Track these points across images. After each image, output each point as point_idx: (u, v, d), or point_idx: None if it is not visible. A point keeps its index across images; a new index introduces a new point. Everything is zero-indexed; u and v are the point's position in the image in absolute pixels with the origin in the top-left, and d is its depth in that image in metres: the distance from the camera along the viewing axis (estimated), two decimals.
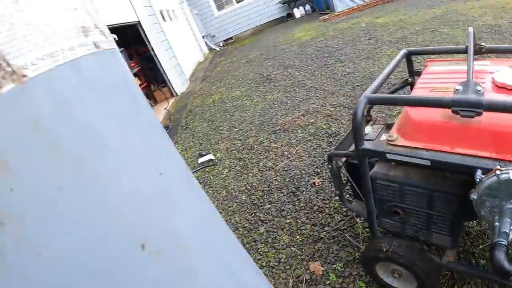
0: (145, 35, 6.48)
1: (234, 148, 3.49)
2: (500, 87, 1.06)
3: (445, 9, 5.94)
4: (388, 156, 1.17)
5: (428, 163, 1.07)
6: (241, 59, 7.94)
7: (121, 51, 6.83)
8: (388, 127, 1.44)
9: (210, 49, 12.14)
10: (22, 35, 0.38)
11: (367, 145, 1.22)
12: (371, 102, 1.18)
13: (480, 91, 0.98)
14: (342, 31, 6.89)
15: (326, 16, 9.03)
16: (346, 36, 6.34)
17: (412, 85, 1.66)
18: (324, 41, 6.58)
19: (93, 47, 0.46)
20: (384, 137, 1.26)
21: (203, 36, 11.90)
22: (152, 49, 6.59)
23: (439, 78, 1.28)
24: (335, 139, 2.93)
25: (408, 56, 1.58)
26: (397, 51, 4.42)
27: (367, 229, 1.93)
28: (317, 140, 3.02)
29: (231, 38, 13.06)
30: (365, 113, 1.19)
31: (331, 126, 3.17)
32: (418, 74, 1.59)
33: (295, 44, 7.29)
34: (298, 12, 12.04)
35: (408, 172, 1.23)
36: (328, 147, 2.84)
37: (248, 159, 3.17)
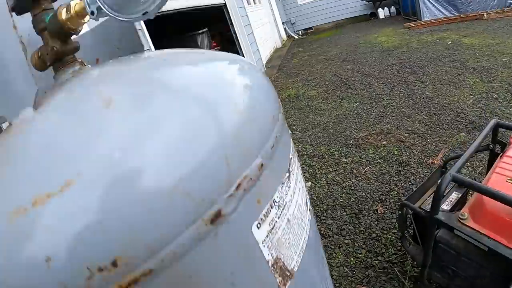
0: (230, 18, 6.67)
1: (305, 153, 3.64)
2: None
3: None
4: (456, 232, 1.32)
5: (486, 248, 1.21)
6: (319, 55, 8.00)
7: (205, 32, 7.13)
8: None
9: (289, 36, 12.23)
10: None
11: (441, 216, 1.35)
12: (455, 181, 1.31)
13: None
14: (427, 45, 6.77)
15: (411, 24, 8.84)
16: (430, 52, 6.23)
17: (492, 152, 1.75)
18: (407, 53, 6.51)
19: None
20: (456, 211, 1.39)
21: (283, 23, 12.00)
22: (235, 32, 6.79)
23: None
24: (404, 169, 3.02)
25: (496, 126, 1.65)
26: (481, 82, 4.41)
27: (415, 268, 2.05)
28: (387, 166, 3.11)
29: (310, 28, 13.06)
30: (446, 189, 1.36)
31: (402, 153, 3.24)
32: (500, 143, 1.70)
33: (376, 50, 7.26)
34: (382, 13, 11.84)
35: (467, 246, 1.33)
36: (396, 176, 2.94)
37: (318, 168, 3.32)
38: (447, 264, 1.44)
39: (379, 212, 2.59)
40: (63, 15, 0.75)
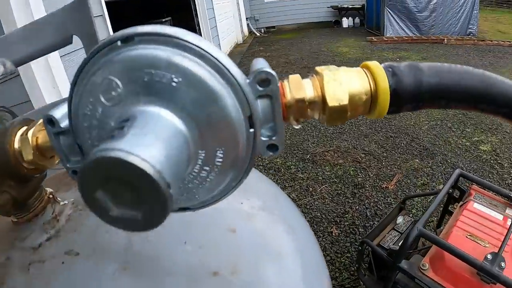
0: (195, 9, 6.49)
1: (261, 164, 3.57)
2: None
3: None
4: (416, 281, 1.38)
5: None
6: (280, 57, 7.94)
7: (168, 20, 6.88)
8: (415, 223, 1.62)
9: (251, 32, 12.12)
10: None
11: (403, 264, 1.41)
12: (421, 235, 1.39)
13: (502, 268, 1.19)
14: (387, 62, 6.86)
15: (374, 38, 8.98)
16: None
17: (449, 195, 1.82)
18: None
19: None
20: (418, 261, 1.45)
21: (247, 18, 11.86)
22: (199, 25, 6.61)
23: (480, 224, 1.47)
24: (359, 191, 3.03)
25: (458, 176, 1.74)
26: (437, 109, 4.48)
27: None
28: (343, 186, 3.10)
29: (274, 27, 13.00)
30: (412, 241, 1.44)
31: (358, 175, 3.25)
32: (459, 189, 1.78)
33: (337, 60, 7.30)
34: (346, 22, 11.95)
35: None
36: (351, 198, 2.95)
37: (274, 181, 3.22)
38: None
39: (333, 234, 2.59)
40: (16, 143, 0.49)
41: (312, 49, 8.53)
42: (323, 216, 2.77)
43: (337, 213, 2.79)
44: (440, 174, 3.19)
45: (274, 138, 0.35)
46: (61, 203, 0.66)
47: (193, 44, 0.31)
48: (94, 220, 0.61)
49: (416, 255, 1.58)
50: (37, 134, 0.47)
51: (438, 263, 1.37)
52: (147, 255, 0.55)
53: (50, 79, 2.41)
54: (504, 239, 1.30)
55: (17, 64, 0.76)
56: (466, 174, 1.73)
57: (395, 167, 3.32)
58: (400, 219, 1.94)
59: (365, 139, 3.90)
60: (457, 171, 1.73)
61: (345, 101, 0.35)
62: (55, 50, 0.80)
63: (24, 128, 0.50)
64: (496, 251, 1.25)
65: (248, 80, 0.32)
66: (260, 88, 0.32)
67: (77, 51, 2.70)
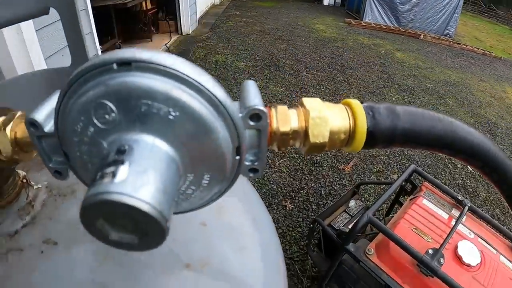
0: None
1: None
2: (457, 258, 1.37)
3: (458, 78, 6.05)
4: (361, 264, 1.47)
5: (383, 283, 1.40)
6: (255, 24, 7.80)
7: None
8: (367, 208, 1.69)
9: None
10: None
11: (350, 247, 1.49)
12: (370, 222, 1.46)
13: (441, 263, 1.28)
14: (361, 47, 6.90)
15: (352, 21, 8.97)
16: (363, 55, 6.37)
17: (401, 188, 1.92)
18: (341, 49, 6.58)
19: None
20: (364, 245, 1.53)
21: None
22: None
23: (426, 219, 1.55)
24: (317, 169, 3.07)
25: (412, 172, 1.83)
26: (402, 101, 4.55)
27: (314, 269, 2.18)
28: (301, 162, 3.13)
29: None
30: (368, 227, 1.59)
31: (316, 155, 3.24)
32: (411, 183, 1.88)
33: (312, 37, 7.24)
34: (327, 0, 11.87)
35: (367, 275, 1.50)
36: (308, 175, 2.98)
37: None
38: (346, 282, 1.62)
39: (287, 208, 2.61)
40: None
41: (289, 22, 8.43)
42: (279, 189, 2.78)
43: (292, 188, 2.81)
44: (396, 164, 3.27)
45: (256, 163, 0.37)
46: (35, 186, 0.64)
47: (192, 79, 0.31)
48: (70, 207, 0.63)
49: (363, 239, 1.65)
50: (15, 128, 0.45)
51: (383, 250, 1.45)
52: None
53: (24, 52, 2.38)
54: (447, 237, 1.37)
55: None
56: (420, 171, 1.82)
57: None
58: (352, 203, 2.03)
59: None
60: (412, 166, 1.82)
61: (325, 138, 0.37)
62: (31, 19, 0.81)
63: (0, 119, 0.47)
64: (438, 247, 1.32)
65: (240, 115, 0.33)
66: (251, 123, 0.34)
67: (52, 24, 2.64)
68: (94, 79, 0.31)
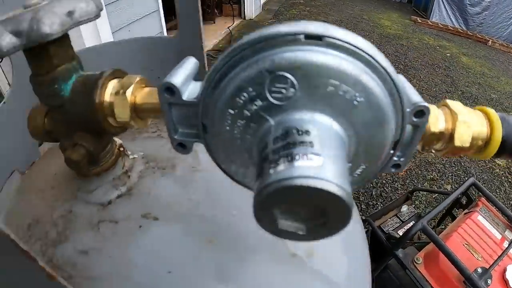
0: None
1: None
2: (504, 281, 1.35)
3: None
4: (407, 271, 1.47)
5: None
6: (319, 15, 7.69)
7: None
8: (419, 216, 1.80)
9: None
10: None
11: (399, 253, 1.49)
12: (423, 231, 1.45)
13: (488, 284, 1.28)
14: (427, 48, 6.67)
15: (418, 19, 8.68)
16: (427, 56, 6.15)
17: (457, 200, 1.86)
18: (405, 48, 6.39)
19: None
20: (413, 253, 1.53)
21: None
22: None
23: (479, 236, 1.53)
24: None
25: (471, 185, 1.76)
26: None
27: None
28: None
29: None
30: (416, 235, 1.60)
31: None
32: (468, 197, 1.84)
33: (377, 32, 7.09)
34: None
35: (411, 284, 1.47)
36: None
37: None
38: (387, 287, 1.60)
39: None
40: (106, 96, 0.45)
41: (354, 14, 8.26)
42: None
43: None
44: (451, 174, 3.19)
45: (402, 159, 0.37)
46: (131, 156, 0.63)
47: (382, 67, 0.30)
48: (170, 182, 0.61)
49: (411, 246, 1.64)
50: (135, 92, 0.44)
51: (432, 261, 1.44)
52: (232, 229, 0.54)
53: (92, 23, 2.36)
54: (497, 258, 1.35)
55: None
56: (479, 186, 1.76)
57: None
58: (404, 208, 1.98)
59: None
60: (471, 179, 1.76)
61: (467, 143, 0.37)
62: None
63: (116, 82, 0.47)
64: (487, 267, 1.31)
65: (408, 109, 0.32)
66: (414, 119, 0.33)
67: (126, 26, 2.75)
68: (274, 48, 0.29)
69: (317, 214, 0.26)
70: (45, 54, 0.44)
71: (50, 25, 0.39)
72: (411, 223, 1.84)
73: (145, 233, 0.54)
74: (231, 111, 0.32)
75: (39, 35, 0.39)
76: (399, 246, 1.49)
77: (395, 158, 0.36)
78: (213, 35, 5.68)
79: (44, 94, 0.48)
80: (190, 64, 0.41)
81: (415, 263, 1.46)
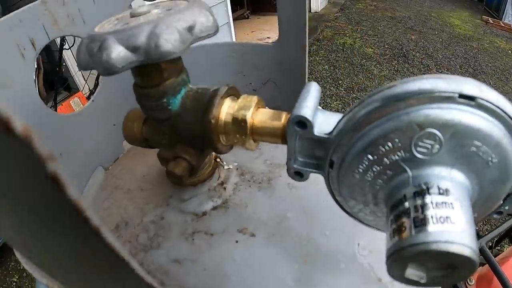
0: None
1: None
2: None
3: None
4: None
5: None
6: (386, 10, 7.49)
7: None
8: (478, 235, 1.58)
9: None
10: None
11: None
12: (481, 252, 1.30)
13: None
14: (499, 51, 6.32)
15: (490, 20, 8.25)
16: (498, 61, 5.82)
17: None
18: (475, 50, 6.10)
19: None
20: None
21: None
22: None
23: None
24: None
25: None
26: None
27: None
28: None
29: None
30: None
31: None
32: None
33: (446, 31, 6.81)
34: None
35: None
36: None
37: None
38: None
39: None
40: (222, 115, 0.44)
41: (422, 11, 7.97)
42: None
43: None
44: None
45: (506, 207, 0.35)
46: (226, 167, 0.63)
47: None
48: (267, 198, 0.60)
49: None
50: (254, 115, 0.44)
51: (485, 284, 1.39)
52: (325, 249, 0.54)
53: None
54: None
55: None
56: None
57: None
58: None
59: None
60: None
61: None
62: None
63: (230, 100, 0.45)
64: None
65: None
66: None
67: None
68: (427, 103, 0.29)
69: (443, 267, 0.27)
70: (155, 67, 0.43)
71: (173, 42, 0.37)
72: None
73: (241, 248, 0.54)
74: (370, 157, 0.32)
75: (159, 53, 0.37)
76: None
77: (501, 206, 0.36)
78: (276, 27, 5.64)
79: (151, 107, 0.46)
80: (315, 92, 0.40)
81: (467, 284, 1.39)
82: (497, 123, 0.29)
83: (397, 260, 0.27)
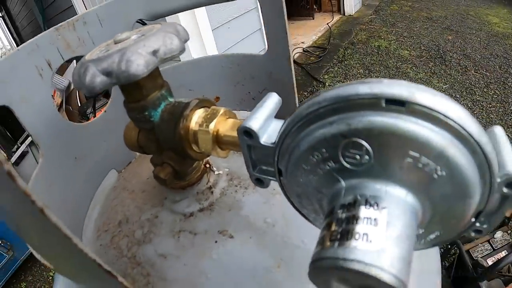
0: None
1: None
2: None
3: None
4: None
5: None
6: (422, 10, 7.34)
7: None
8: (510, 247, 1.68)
9: None
10: None
11: (483, 285, 1.42)
12: None
13: None
14: None
15: None
16: None
17: None
18: None
19: None
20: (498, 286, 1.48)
21: None
22: None
23: None
24: None
25: None
26: None
27: None
28: None
29: None
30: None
31: None
32: None
33: (484, 30, 6.60)
34: None
35: None
36: None
37: None
38: None
39: None
40: (191, 125, 0.50)
41: (459, 10, 7.75)
42: None
43: None
44: None
45: (484, 226, 0.32)
46: (216, 172, 0.67)
47: (473, 138, 0.26)
48: (251, 202, 0.64)
49: (497, 279, 1.54)
50: (218, 125, 0.49)
51: None
52: (299, 257, 0.56)
53: (192, 19, 2.57)
54: None
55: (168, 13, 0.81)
56: None
57: None
58: (499, 234, 1.84)
59: None
60: None
61: None
62: (213, 4, 0.82)
63: (202, 111, 0.51)
64: None
65: (498, 180, 0.28)
66: (505, 190, 0.29)
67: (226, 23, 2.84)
68: (350, 111, 0.27)
69: (363, 287, 0.25)
70: (134, 85, 0.50)
71: (136, 67, 0.43)
72: (503, 253, 1.72)
73: (219, 248, 0.57)
74: (305, 167, 0.31)
75: (126, 77, 0.43)
76: (485, 278, 1.42)
77: (477, 224, 0.32)
78: (312, 31, 5.71)
79: (137, 118, 0.54)
80: (272, 102, 0.41)
81: None
82: (437, 129, 0.25)
83: (316, 268, 0.26)
